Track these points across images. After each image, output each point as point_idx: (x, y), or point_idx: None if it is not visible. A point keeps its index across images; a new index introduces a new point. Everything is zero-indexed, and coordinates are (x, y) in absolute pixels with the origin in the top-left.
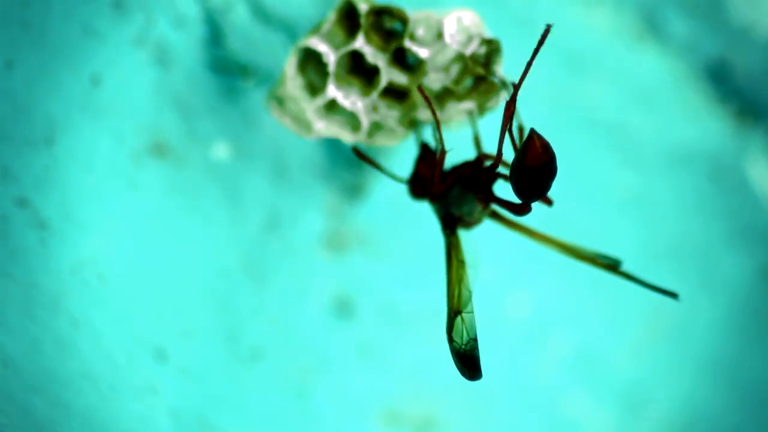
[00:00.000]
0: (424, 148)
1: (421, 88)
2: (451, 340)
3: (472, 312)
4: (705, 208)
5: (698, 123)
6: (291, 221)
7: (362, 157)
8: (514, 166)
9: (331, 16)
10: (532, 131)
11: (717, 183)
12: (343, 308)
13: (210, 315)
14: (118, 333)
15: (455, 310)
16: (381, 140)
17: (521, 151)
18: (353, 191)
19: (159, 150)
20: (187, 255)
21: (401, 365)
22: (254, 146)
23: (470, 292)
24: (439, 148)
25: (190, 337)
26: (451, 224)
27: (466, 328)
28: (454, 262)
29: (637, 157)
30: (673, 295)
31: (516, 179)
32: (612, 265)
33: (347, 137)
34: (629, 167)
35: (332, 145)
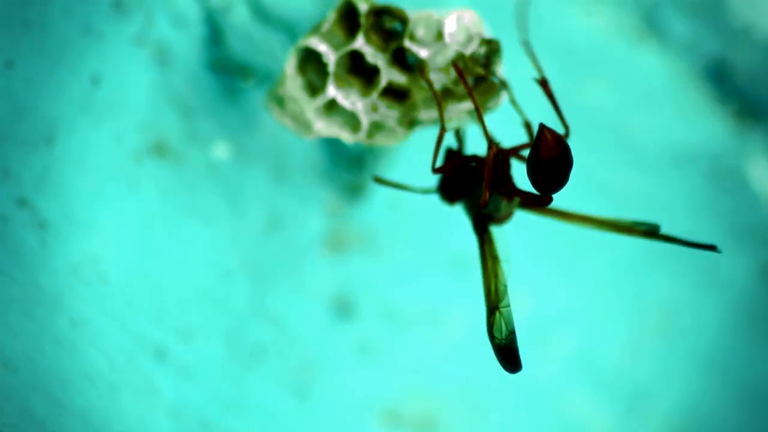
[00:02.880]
0: (449, 153)
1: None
2: (492, 337)
3: (508, 305)
4: (705, 207)
5: (698, 123)
6: (291, 221)
7: (385, 182)
8: (530, 163)
9: (331, 16)
10: (542, 126)
11: (717, 183)
12: (343, 308)
13: (210, 315)
14: (118, 333)
15: (493, 306)
16: (381, 140)
17: (534, 147)
18: (353, 191)
19: (159, 150)
20: (187, 255)
21: (401, 365)
22: (254, 146)
23: (505, 286)
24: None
25: (190, 337)
26: (482, 223)
27: (504, 322)
28: (489, 259)
29: (637, 156)
30: (713, 248)
31: (533, 175)
32: (652, 231)
33: (347, 137)
34: (629, 167)
35: (332, 145)
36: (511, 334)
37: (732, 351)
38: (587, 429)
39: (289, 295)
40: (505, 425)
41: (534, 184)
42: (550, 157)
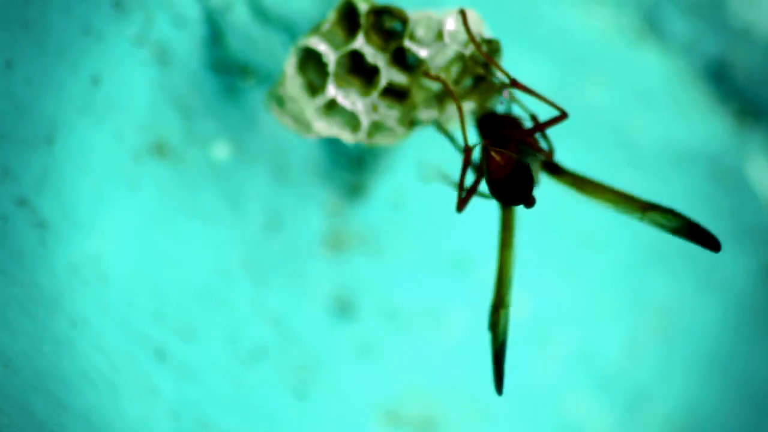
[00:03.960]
0: (487, 116)
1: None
2: (495, 337)
3: (509, 306)
4: (705, 208)
5: (698, 123)
6: (291, 221)
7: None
8: (488, 184)
9: (331, 15)
10: (486, 146)
11: (717, 183)
12: (343, 308)
13: (210, 315)
14: (118, 333)
15: (499, 302)
16: (381, 140)
17: (486, 169)
18: (353, 191)
19: (159, 150)
20: (187, 255)
21: (401, 365)
22: (254, 146)
23: (511, 280)
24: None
25: (190, 337)
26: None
27: (501, 325)
28: (507, 245)
29: (637, 157)
30: (715, 248)
31: (495, 194)
32: (669, 211)
33: (347, 137)
34: (629, 167)
35: (332, 145)
36: (503, 344)
37: (732, 351)
38: (587, 429)
39: (289, 295)
40: (505, 425)
41: (500, 201)
42: (502, 176)
